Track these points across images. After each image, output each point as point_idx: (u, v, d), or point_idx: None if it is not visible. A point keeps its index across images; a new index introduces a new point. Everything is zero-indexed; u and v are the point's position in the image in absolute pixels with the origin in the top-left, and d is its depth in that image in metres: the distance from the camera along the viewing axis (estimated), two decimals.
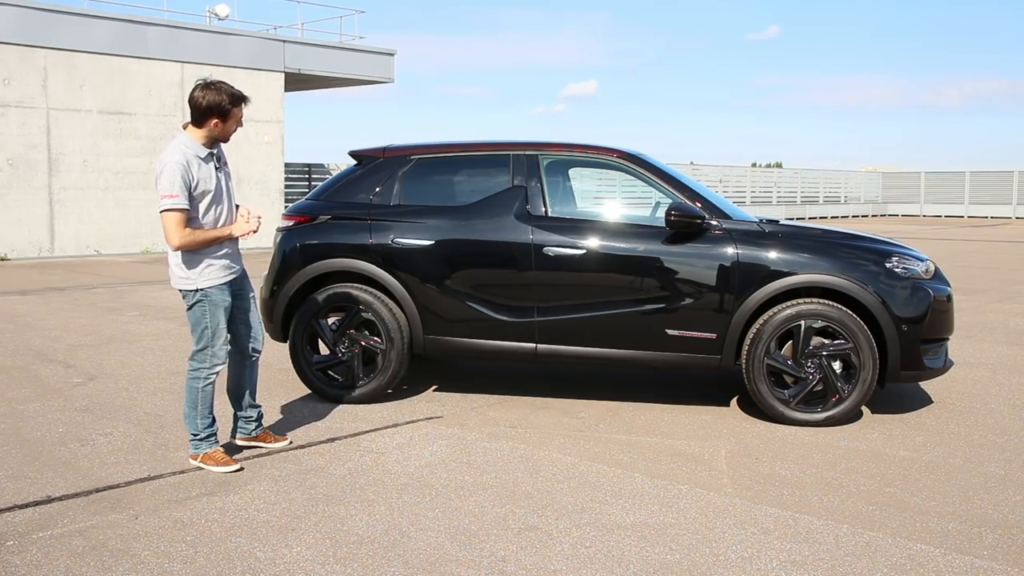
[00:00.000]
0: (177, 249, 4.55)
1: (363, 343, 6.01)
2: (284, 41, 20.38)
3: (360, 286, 6.04)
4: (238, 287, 4.82)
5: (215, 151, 4.70)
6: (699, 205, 5.82)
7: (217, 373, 4.72)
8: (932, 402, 6.27)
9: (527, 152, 6.12)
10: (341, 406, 5.96)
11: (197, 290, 4.61)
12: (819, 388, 5.63)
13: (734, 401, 6.23)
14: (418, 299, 5.99)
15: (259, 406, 5.12)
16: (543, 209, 5.96)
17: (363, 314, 5.99)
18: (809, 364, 5.62)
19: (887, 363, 5.58)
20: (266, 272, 6.35)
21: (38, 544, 3.74)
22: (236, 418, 5.08)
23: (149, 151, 18.33)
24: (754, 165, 48.98)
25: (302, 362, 6.10)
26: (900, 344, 5.55)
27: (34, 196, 16.95)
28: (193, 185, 4.53)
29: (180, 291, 4.68)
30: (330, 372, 6.10)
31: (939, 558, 3.69)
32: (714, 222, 5.77)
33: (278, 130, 20.25)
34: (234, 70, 19.31)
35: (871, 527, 4.01)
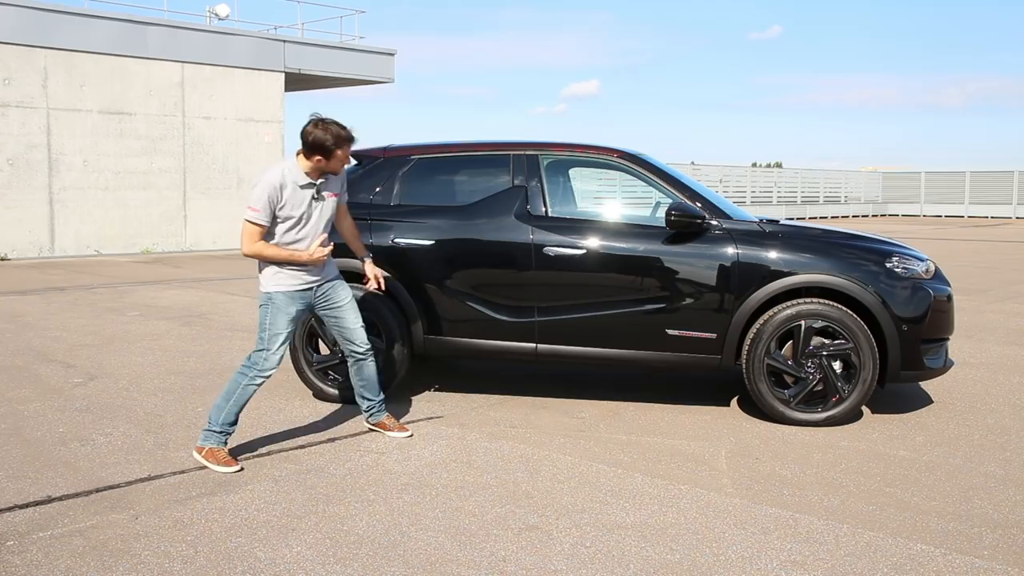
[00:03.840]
0: (246, 256, 4.81)
1: None
2: (284, 41, 20.38)
3: (360, 286, 6.04)
4: (323, 296, 5.00)
5: (319, 181, 4.87)
6: (699, 205, 5.82)
7: (263, 380, 4.84)
8: (932, 402, 6.27)
9: (527, 152, 6.12)
10: (341, 406, 5.96)
11: (265, 292, 4.85)
12: (819, 388, 5.63)
13: (734, 401, 6.23)
14: (418, 299, 5.99)
15: (377, 398, 5.30)
16: (543, 209, 5.96)
17: (363, 314, 5.98)
18: (809, 364, 5.61)
19: (887, 363, 5.58)
20: None
21: (38, 544, 3.74)
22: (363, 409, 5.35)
23: (149, 151, 18.33)
24: (754, 165, 49.01)
25: (302, 362, 6.10)
26: (900, 344, 5.55)
27: (34, 196, 16.96)
28: (279, 206, 4.74)
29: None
30: (330, 372, 6.10)
31: (939, 558, 3.69)
32: (714, 222, 5.77)
33: (278, 130, 20.25)
34: (234, 70, 19.32)
35: (871, 527, 4.01)
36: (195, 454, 4.77)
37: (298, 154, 4.84)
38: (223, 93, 19.22)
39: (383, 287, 5.39)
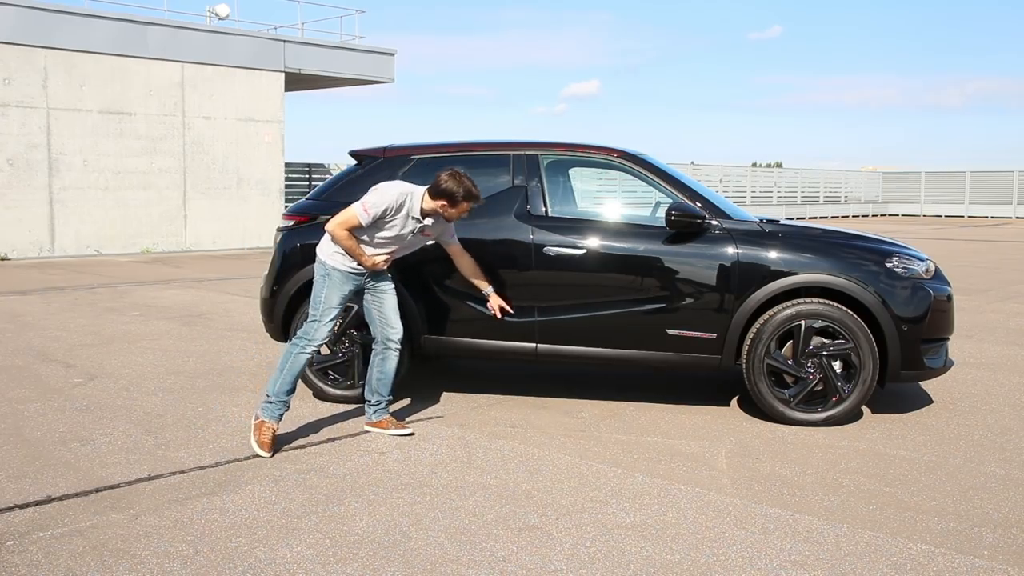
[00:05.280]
0: (328, 230, 5.15)
1: (363, 343, 6.01)
2: (284, 41, 20.37)
3: None
4: (372, 281, 5.29)
5: (427, 221, 5.21)
6: (699, 205, 5.82)
7: (312, 352, 5.15)
8: (932, 402, 6.27)
9: (528, 152, 6.12)
10: (341, 406, 5.96)
11: (323, 263, 5.19)
12: (819, 388, 5.63)
13: (734, 401, 6.23)
14: (418, 299, 5.99)
15: (386, 396, 5.40)
16: (543, 209, 5.96)
17: (363, 314, 5.98)
18: (809, 364, 5.61)
19: (887, 363, 5.58)
20: (266, 272, 6.35)
21: (38, 544, 3.74)
22: (366, 403, 5.46)
23: (149, 151, 18.33)
24: (754, 165, 48.98)
25: None
26: (900, 344, 5.55)
27: (34, 196, 16.95)
28: (384, 222, 5.09)
29: (316, 258, 5.28)
30: (330, 372, 6.10)
31: (939, 558, 3.69)
32: (714, 222, 5.77)
33: (278, 130, 20.24)
34: (234, 70, 19.31)
35: (871, 527, 4.01)
36: (252, 420, 5.09)
37: (427, 190, 5.16)
38: (223, 93, 19.22)
39: (508, 313, 5.68)
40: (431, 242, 5.47)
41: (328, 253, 5.19)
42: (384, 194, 5.08)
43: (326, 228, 5.16)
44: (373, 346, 5.41)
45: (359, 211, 5.04)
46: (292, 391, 5.12)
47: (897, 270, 5.66)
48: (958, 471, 4.80)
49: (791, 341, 5.65)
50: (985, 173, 39.88)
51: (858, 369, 5.54)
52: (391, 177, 6.21)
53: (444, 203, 5.13)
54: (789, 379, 5.67)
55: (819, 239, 5.83)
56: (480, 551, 3.71)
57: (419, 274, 5.98)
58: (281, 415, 5.08)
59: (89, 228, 17.65)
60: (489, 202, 6.01)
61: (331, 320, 5.18)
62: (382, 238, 5.17)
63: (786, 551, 3.74)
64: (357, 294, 5.31)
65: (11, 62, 16.55)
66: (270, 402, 5.04)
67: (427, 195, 5.16)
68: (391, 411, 5.51)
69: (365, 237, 5.15)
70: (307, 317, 5.23)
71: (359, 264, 5.18)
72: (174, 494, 4.33)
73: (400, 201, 5.09)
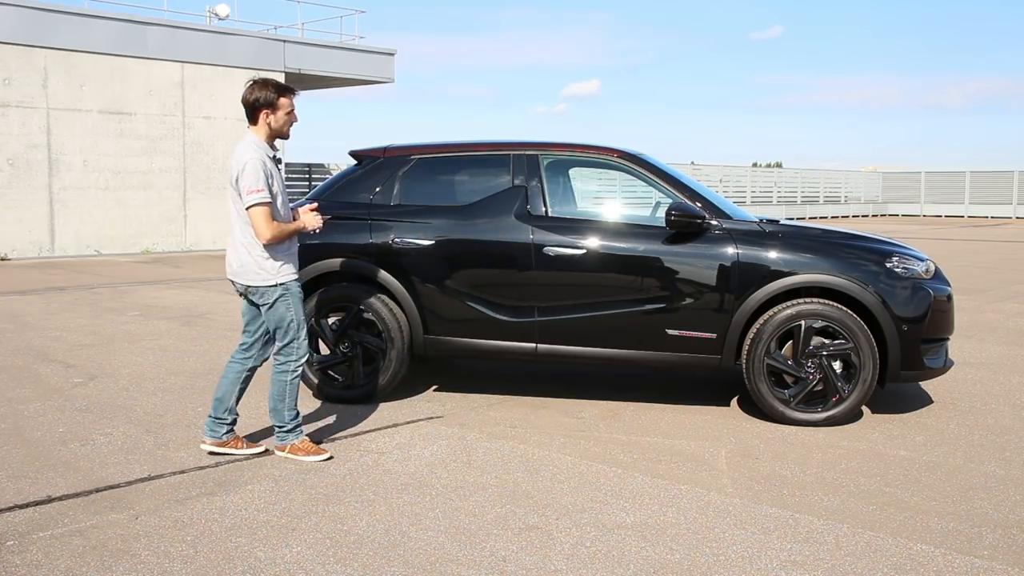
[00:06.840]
0: (268, 242, 4.72)
1: (363, 343, 6.01)
2: (284, 41, 20.39)
3: (360, 286, 6.04)
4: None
5: (278, 153, 4.88)
6: (699, 205, 5.82)
7: (303, 364, 4.90)
8: (932, 402, 6.27)
9: (527, 152, 6.12)
10: (341, 406, 5.96)
11: (277, 285, 4.80)
12: (819, 388, 5.63)
13: (734, 401, 6.23)
14: (418, 299, 5.99)
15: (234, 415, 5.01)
16: (543, 209, 5.96)
17: (363, 314, 5.99)
18: (809, 364, 5.61)
19: (887, 363, 5.58)
20: None
21: (38, 544, 3.74)
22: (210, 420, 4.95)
23: (149, 151, 18.34)
24: (755, 165, 49.00)
25: None
26: (900, 344, 5.55)
27: (34, 196, 16.96)
28: (271, 184, 4.71)
29: (257, 288, 4.83)
30: (330, 372, 6.10)
31: (939, 558, 3.69)
32: (714, 222, 5.77)
33: None
34: (234, 70, 19.31)
35: (871, 527, 4.01)
36: (278, 453, 4.89)
37: (248, 126, 4.82)
38: (223, 93, 19.23)
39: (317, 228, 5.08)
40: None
41: (275, 270, 4.78)
42: (248, 164, 4.64)
43: (265, 243, 4.72)
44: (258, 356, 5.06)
45: (258, 198, 4.62)
46: (299, 413, 4.93)
47: (897, 270, 5.66)
48: (958, 471, 4.80)
49: (791, 341, 5.66)
50: (985, 173, 39.90)
51: (858, 369, 5.54)
52: (391, 177, 6.22)
53: (266, 112, 4.73)
54: (789, 379, 5.67)
55: (819, 239, 5.83)
56: (480, 551, 3.71)
57: (419, 274, 5.98)
58: (302, 430, 4.93)
59: (89, 228, 17.65)
60: (489, 202, 6.02)
61: (306, 332, 4.89)
62: (280, 198, 4.80)
63: (786, 551, 3.74)
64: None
65: (11, 62, 16.56)
66: (285, 431, 4.87)
67: (251, 129, 4.78)
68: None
69: (278, 213, 4.77)
70: (282, 340, 4.84)
71: (305, 234, 4.93)
72: (174, 494, 4.33)
73: (259, 155, 4.68)
